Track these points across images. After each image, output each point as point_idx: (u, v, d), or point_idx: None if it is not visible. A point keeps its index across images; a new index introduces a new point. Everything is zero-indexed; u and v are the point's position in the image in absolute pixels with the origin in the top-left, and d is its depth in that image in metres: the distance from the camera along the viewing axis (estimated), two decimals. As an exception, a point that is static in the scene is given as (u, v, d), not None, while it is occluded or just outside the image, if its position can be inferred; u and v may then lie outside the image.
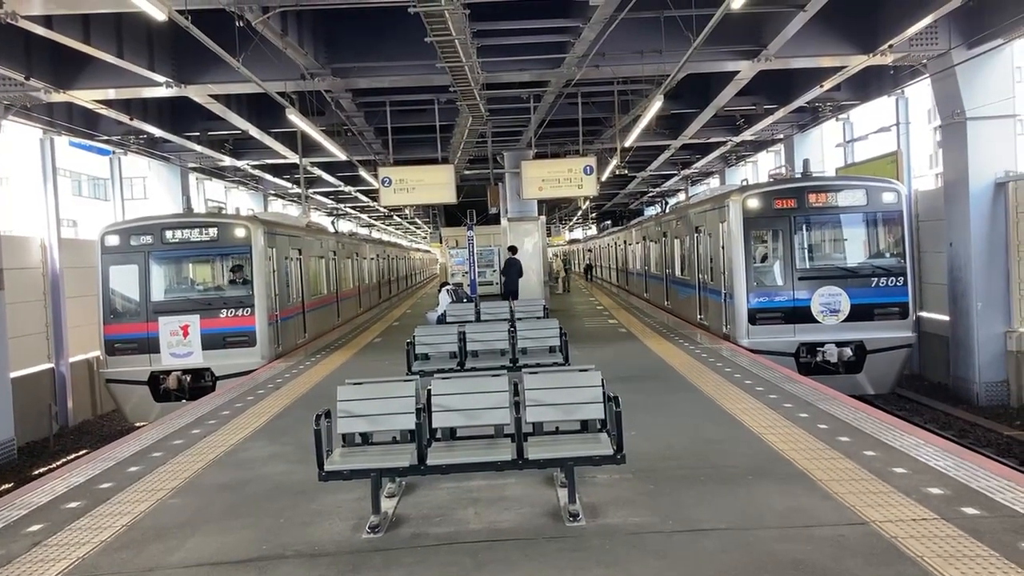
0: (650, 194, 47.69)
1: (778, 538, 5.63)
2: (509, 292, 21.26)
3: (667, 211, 26.31)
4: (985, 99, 15.54)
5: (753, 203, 14.97)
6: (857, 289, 14.61)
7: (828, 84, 18.71)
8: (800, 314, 14.63)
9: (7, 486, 13.53)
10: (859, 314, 14.54)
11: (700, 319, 18.39)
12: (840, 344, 14.37)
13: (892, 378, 14.89)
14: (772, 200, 14.92)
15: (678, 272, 21.53)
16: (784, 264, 14.86)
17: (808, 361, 14.46)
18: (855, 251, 15.34)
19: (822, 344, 14.40)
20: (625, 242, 34.79)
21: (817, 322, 14.56)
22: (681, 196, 39.97)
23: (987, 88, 15.60)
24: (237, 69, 12.99)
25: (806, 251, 15.13)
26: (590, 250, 57.54)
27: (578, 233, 79.44)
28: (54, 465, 14.93)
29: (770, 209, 14.88)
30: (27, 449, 16.51)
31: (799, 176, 15.87)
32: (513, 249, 22.64)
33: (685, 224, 20.07)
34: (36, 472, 14.56)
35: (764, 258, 15.33)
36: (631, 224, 35.80)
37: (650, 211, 50.18)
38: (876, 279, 14.68)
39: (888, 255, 15.07)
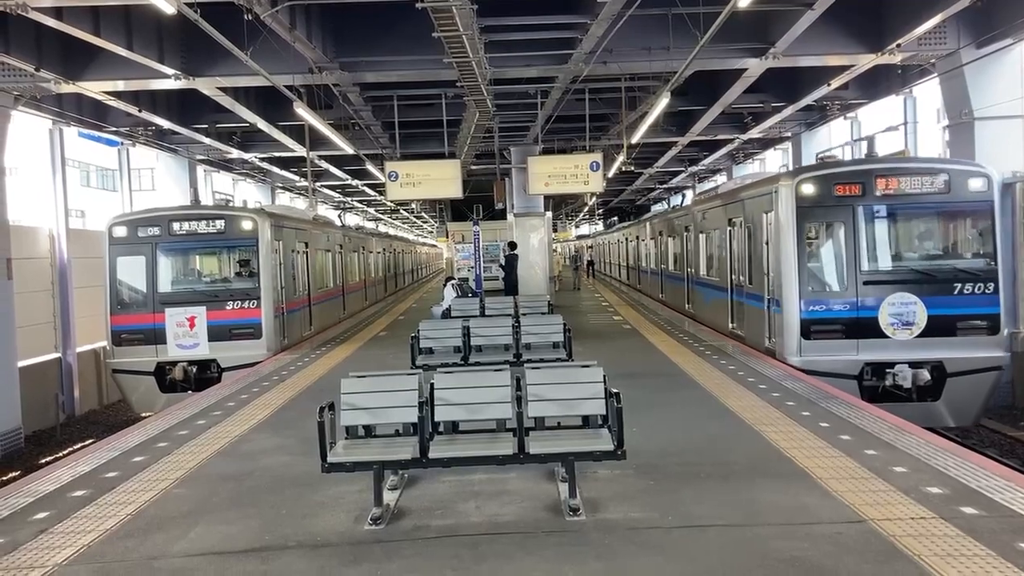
0: (656, 190, 47.69)
1: (777, 535, 5.66)
2: (510, 287, 21.31)
3: (691, 201, 23.34)
4: (993, 99, 15.51)
5: (808, 189, 12.43)
6: (936, 297, 12.13)
7: (836, 83, 18.68)
8: (865, 327, 12.17)
9: (14, 474, 13.66)
10: (938, 328, 12.09)
11: (732, 328, 15.97)
12: (914, 365, 11.93)
13: (977, 407, 12.39)
14: (832, 186, 12.39)
15: (703, 272, 19.06)
16: (846, 265, 12.38)
17: (874, 385, 12.11)
18: (934, 250, 12.83)
19: (892, 364, 11.99)
20: (638, 237, 32.50)
21: (886, 337, 12.13)
22: (690, 191, 39.35)
23: (995, 88, 15.56)
24: (245, 62, 13.05)
25: (873, 249, 12.54)
26: (591, 247, 56.89)
27: (585, 229, 79.31)
28: (61, 454, 15.04)
29: (829, 196, 12.38)
30: (34, 438, 16.63)
31: (863, 157, 13.26)
32: (513, 245, 22.68)
33: (714, 216, 17.66)
34: (43, 461, 14.67)
35: (821, 257, 12.89)
36: (644, 218, 33.77)
37: (657, 208, 49.97)
38: (960, 285, 12.18)
39: (975, 255, 12.54)
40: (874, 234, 12.52)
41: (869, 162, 12.91)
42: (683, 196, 34.69)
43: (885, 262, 12.53)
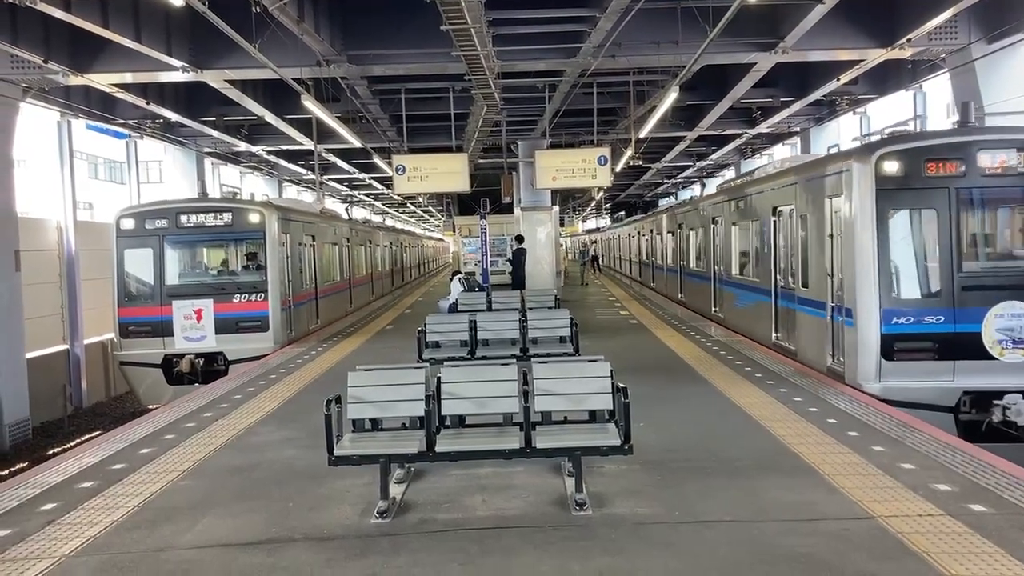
0: (664, 185, 47.56)
1: (784, 531, 5.64)
2: (518, 281, 21.30)
3: (719, 189, 20.75)
4: (1004, 94, 15.38)
5: (891, 167, 9.75)
6: None
7: (845, 77, 18.59)
8: (964, 345, 9.56)
9: (22, 465, 13.71)
10: None
11: (777, 339, 13.48)
12: None
13: None
14: (922, 162, 9.72)
15: (735, 270, 16.62)
16: (940, 264, 9.73)
17: (976, 419, 9.50)
18: None
19: (1000, 394, 9.33)
20: (651, 231, 29.79)
21: (992, 358, 9.50)
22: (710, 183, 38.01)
23: (1006, 83, 15.45)
24: (253, 55, 13.04)
25: (976, 244, 10.02)
26: (594, 241, 56.17)
27: (591, 223, 79.10)
28: (68, 445, 15.09)
29: (918, 176, 9.72)
30: (42, 429, 16.70)
31: (957, 126, 10.68)
32: (520, 239, 22.66)
33: (754, 204, 15.08)
34: (50, 452, 14.73)
35: (907, 255, 10.08)
36: (660, 209, 31.31)
37: (665, 202, 49.68)
38: None
39: None
40: (977, 225, 9.98)
41: (970, 132, 10.17)
42: (704, 185, 32.74)
43: (991, 261, 10.00)
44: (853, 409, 9.05)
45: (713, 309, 18.60)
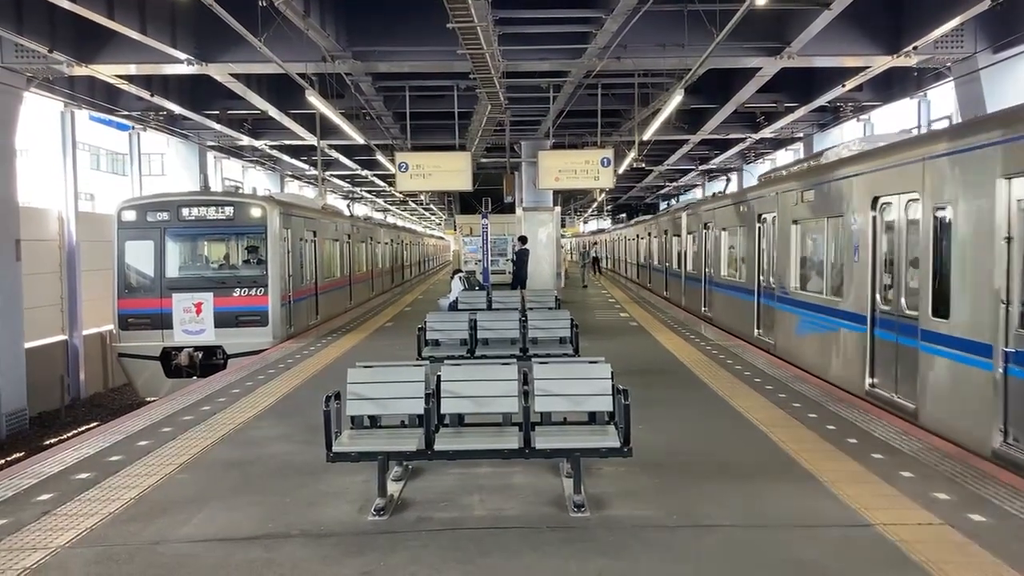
0: (666, 188, 47.57)
1: (783, 537, 5.62)
2: (519, 281, 21.28)
3: (765, 179, 16.36)
4: (1009, 104, 15.37)
5: None
6: None
7: (850, 84, 18.58)
8: None
9: (19, 455, 13.69)
10: None
11: (873, 386, 9.89)
12: None
13: None
14: None
15: (793, 283, 13.10)
16: None
17: None
18: None
19: None
20: (666, 232, 26.51)
21: None
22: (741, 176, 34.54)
23: (1012, 93, 15.44)
24: (259, 49, 13.03)
25: None
26: (595, 243, 55.82)
27: (592, 225, 78.98)
28: (65, 436, 15.07)
29: None
30: (39, 419, 16.68)
31: None
32: (523, 239, 22.65)
33: (829, 196, 11.49)
34: (47, 442, 14.71)
35: None
36: (677, 207, 27.86)
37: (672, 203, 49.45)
38: None
39: None
40: None
41: None
42: (728, 181, 30.28)
43: None
44: (852, 416, 8.95)
45: (756, 331, 14.99)
